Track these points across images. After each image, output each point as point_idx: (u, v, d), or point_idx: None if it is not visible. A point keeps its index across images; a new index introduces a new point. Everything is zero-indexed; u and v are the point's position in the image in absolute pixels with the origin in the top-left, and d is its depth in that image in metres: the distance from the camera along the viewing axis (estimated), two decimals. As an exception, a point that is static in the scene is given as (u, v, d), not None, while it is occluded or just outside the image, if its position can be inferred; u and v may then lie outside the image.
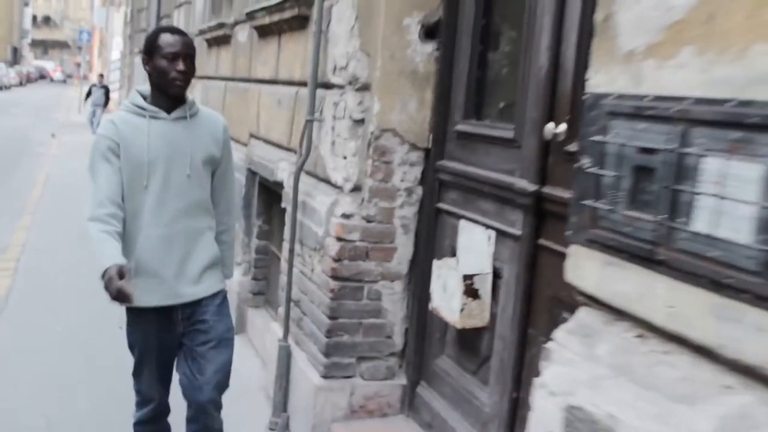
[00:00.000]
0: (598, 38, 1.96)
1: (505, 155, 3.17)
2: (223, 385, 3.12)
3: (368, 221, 3.77)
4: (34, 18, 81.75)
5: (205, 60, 7.61)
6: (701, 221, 1.59)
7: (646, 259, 1.74)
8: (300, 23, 4.49)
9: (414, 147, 3.77)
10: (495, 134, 3.28)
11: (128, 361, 3.22)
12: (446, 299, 3.37)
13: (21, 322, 5.61)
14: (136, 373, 3.19)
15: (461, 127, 3.57)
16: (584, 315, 2.01)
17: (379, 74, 3.67)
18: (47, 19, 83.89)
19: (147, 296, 2.93)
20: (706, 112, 1.59)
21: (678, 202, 1.65)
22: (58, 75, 70.74)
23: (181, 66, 2.87)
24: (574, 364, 1.96)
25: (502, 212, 3.16)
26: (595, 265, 1.93)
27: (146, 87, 3.00)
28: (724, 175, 1.54)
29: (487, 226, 3.25)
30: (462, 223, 3.46)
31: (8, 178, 12.43)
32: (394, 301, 3.88)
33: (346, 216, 3.75)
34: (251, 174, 5.63)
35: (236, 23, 6.35)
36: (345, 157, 3.82)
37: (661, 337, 1.75)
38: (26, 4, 76.22)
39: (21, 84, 50.08)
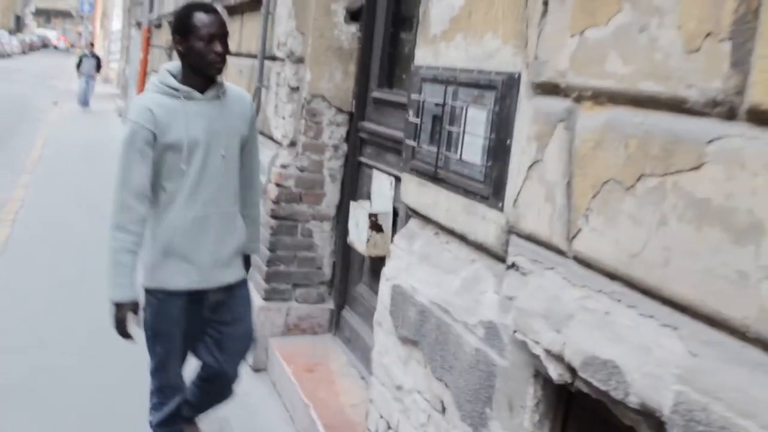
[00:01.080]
0: (420, 26, 2.77)
1: (402, 116, 3.98)
2: (242, 363, 3.25)
3: (301, 171, 4.58)
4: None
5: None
6: (460, 150, 2.40)
7: (436, 178, 2.56)
8: (256, 5, 5.29)
9: (340, 110, 4.57)
10: (396, 100, 4.08)
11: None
12: (357, 233, 4.18)
13: (18, 265, 6.39)
14: (161, 367, 3.04)
15: (376, 94, 4.37)
16: (410, 223, 2.83)
17: (310, 50, 4.46)
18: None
19: (179, 279, 2.88)
20: (464, 77, 2.40)
21: (451, 139, 2.46)
22: (61, 44, 71.26)
23: (219, 47, 2.75)
24: (400, 258, 2.79)
25: (400, 163, 3.97)
26: (413, 186, 2.75)
27: (174, 65, 2.88)
28: (471, 119, 2.35)
29: (390, 174, 4.06)
30: (374, 172, 4.28)
31: (8, 140, 13.17)
32: (323, 238, 4.71)
33: (283, 166, 4.57)
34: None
35: (213, 2, 7.12)
36: (284, 118, 4.63)
37: (445, 232, 2.57)
38: (30, -28, 76.70)
39: (23, 52, 50.44)
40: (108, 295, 2.77)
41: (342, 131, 4.60)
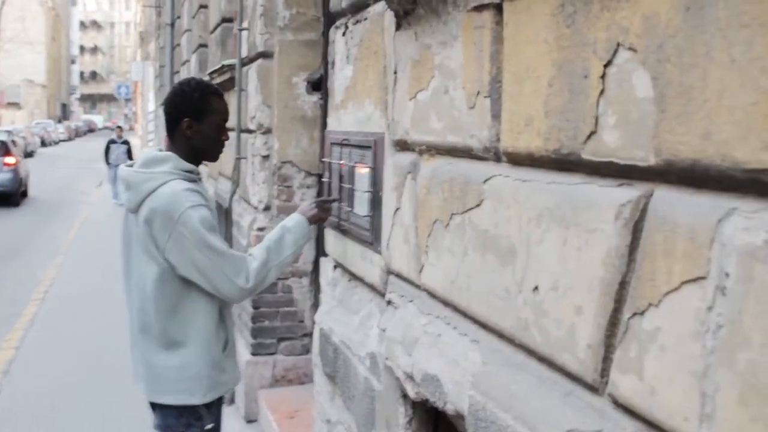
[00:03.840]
0: (329, 95, 3.12)
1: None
2: None
3: (277, 232, 4.93)
4: (82, 74, 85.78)
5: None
6: (353, 204, 2.72)
7: (342, 230, 2.88)
8: (233, 83, 5.72)
9: (309, 173, 4.93)
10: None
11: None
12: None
13: (42, 340, 6.85)
14: None
15: (338, 156, 4.73)
16: (335, 271, 3.14)
17: (276, 120, 4.86)
18: (94, 74, 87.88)
19: (237, 374, 2.71)
20: (354, 139, 2.73)
21: (349, 194, 2.79)
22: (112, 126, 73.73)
23: (227, 134, 2.66)
24: (326, 303, 3.10)
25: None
26: (331, 238, 3.08)
27: (166, 153, 2.59)
28: (359, 176, 2.67)
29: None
30: (340, 228, 4.61)
31: (48, 224, 13.88)
32: (303, 293, 5.03)
33: (260, 229, 4.93)
34: (218, 205, 6.85)
35: (211, 80, 7.62)
36: (258, 185, 5.00)
37: (354, 277, 2.88)
38: (73, 62, 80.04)
39: (70, 138, 52.32)
40: (304, 237, 2.70)
41: (312, 192, 4.95)
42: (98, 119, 75.60)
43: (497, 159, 1.77)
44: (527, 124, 1.59)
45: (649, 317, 1.22)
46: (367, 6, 2.59)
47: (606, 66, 1.33)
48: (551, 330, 1.51)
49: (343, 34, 2.92)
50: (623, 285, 1.31)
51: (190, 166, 2.56)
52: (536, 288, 1.57)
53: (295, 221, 2.71)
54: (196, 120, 2.56)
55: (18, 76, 55.55)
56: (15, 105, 54.43)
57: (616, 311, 1.33)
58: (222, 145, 2.66)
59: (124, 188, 2.60)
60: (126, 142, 16.98)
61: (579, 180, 1.45)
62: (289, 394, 4.92)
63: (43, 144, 40.46)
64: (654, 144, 1.21)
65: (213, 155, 2.67)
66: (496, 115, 1.75)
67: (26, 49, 56.20)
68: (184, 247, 2.42)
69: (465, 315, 1.92)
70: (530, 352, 1.60)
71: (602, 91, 1.35)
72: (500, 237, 1.72)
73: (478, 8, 1.79)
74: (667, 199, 1.21)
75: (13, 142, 18.12)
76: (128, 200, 2.56)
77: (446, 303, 2.04)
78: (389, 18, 2.40)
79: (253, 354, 4.97)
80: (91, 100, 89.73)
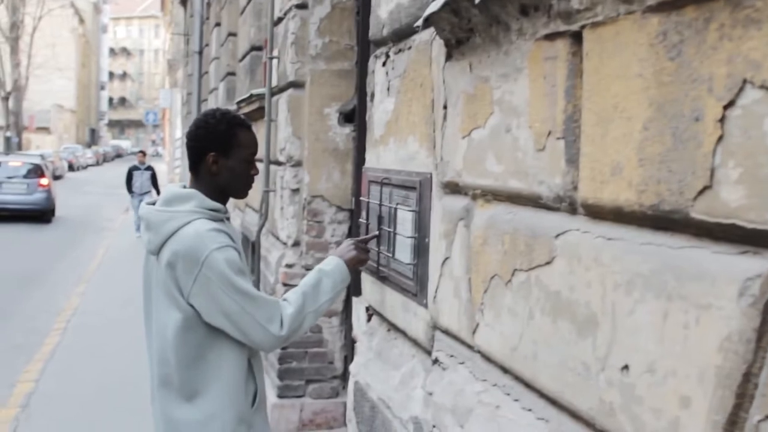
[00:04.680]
0: (367, 130, 2.90)
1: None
2: None
3: (307, 269, 4.70)
4: (111, 100, 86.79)
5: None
6: (394, 249, 2.49)
7: (381, 277, 2.64)
8: (261, 113, 5.54)
9: (340, 209, 4.71)
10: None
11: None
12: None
13: (62, 372, 6.67)
14: None
15: (371, 190, 4.51)
16: (372, 320, 2.90)
17: (307, 153, 4.65)
18: (123, 100, 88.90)
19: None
20: (396, 179, 2.50)
21: (389, 239, 2.55)
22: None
23: (256, 168, 2.44)
24: (362, 354, 2.85)
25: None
26: (368, 284, 2.84)
27: (190, 190, 2.37)
28: (401, 219, 2.44)
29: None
30: (373, 266, 4.37)
31: (71, 251, 13.78)
32: (333, 333, 4.78)
33: (288, 266, 4.70)
34: (244, 237, 6.65)
35: (238, 110, 7.46)
36: (287, 219, 4.79)
37: (394, 328, 2.63)
38: (102, 88, 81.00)
39: (98, 163, 52.94)
40: (343, 281, 2.47)
41: (344, 228, 4.72)
42: (126, 144, 76.31)
43: (572, 211, 1.53)
44: (614, 173, 1.35)
45: (792, 425, 0.97)
46: (412, 33, 2.37)
47: (726, 107, 1.09)
48: (647, 420, 1.25)
49: (384, 64, 2.70)
50: (748, 377, 1.06)
51: (215, 205, 2.34)
52: (626, 367, 1.32)
53: (333, 265, 2.46)
54: (222, 154, 2.35)
55: (48, 101, 56.15)
56: (45, 130, 54.98)
57: (738, 408, 1.08)
58: (251, 181, 2.45)
59: (144, 228, 2.36)
60: (150, 168, 15.57)
61: (685, 243, 1.20)
62: (317, 440, 4.66)
63: (71, 168, 40.83)
64: (797, 207, 0.97)
65: (241, 192, 2.46)
66: (571, 160, 1.51)
67: (56, 74, 56.81)
68: (211, 291, 2.20)
69: (529, 386, 1.67)
70: (617, 443, 1.34)
71: (720, 138, 1.10)
72: (577, 302, 1.47)
73: (550, 37, 1.56)
74: (815, 277, 0.96)
75: (46, 165, 19.63)
76: (149, 241, 2.33)
77: (505, 370, 1.79)
78: (438, 47, 2.18)
79: (280, 396, 4.73)
80: (120, 126, 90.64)
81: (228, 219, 2.43)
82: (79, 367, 6.87)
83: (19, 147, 39.79)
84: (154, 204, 2.39)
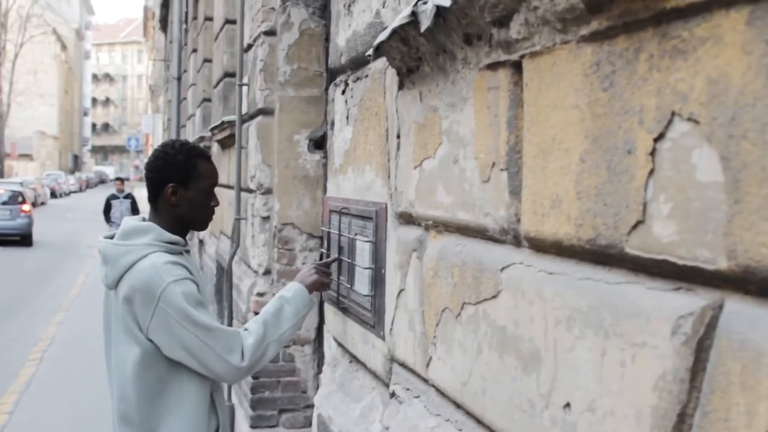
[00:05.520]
0: (328, 159, 2.86)
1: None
2: None
3: (278, 297, 4.65)
4: (94, 126, 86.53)
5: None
6: (353, 280, 2.44)
7: (342, 308, 2.59)
8: (233, 140, 5.49)
9: (311, 236, 4.66)
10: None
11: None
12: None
13: (37, 404, 6.57)
14: None
15: (342, 217, 4.47)
16: (334, 351, 2.85)
17: (277, 180, 4.60)
18: (106, 126, 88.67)
19: None
20: (354, 209, 2.46)
21: (349, 270, 2.51)
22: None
23: (216, 199, 2.40)
24: (325, 386, 2.80)
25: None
26: (330, 314, 2.79)
27: (148, 224, 2.33)
28: (360, 249, 2.40)
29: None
30: (344, 294, 4.33)
31: (51, 280, 13.65)
32: (305, 362, 4.72)
33: (260, 294, 4.64)
34: (218, 264, 6.59)
35: (212, 137, 7.42)
36: (258, 247, 4.73)
37: (355, 360, 2.59)
38: (85, 114, 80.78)
39: (80, 189, 52.62)
40: (305, 307, 2.40)
41: (315, 256, 4.67)
42: (110, 170, 76.00)
43: (517, 243, 1.49)
44: (554, 206, 1.32)
45: (725, 471, 0.93)
46: (367, 62, 2.34)
47: (657, 140, 1.06)
48: (588, 461, 1.22)
49: (343, 93, 2.68)
50: (683, 417, 1.03)
51: (173, 237, 2.30)
52: (567, 405, 1.28)
53: (294, 290, 2.42)
54: (181, 185, 2.31)
55: (30, 128, 55.93)
56: (27, 156, 54.71)
57: (675, 450, 1.04)
58: (211, 212, 2.40)
59: (101, 262, 2.32)
60: (129, 196, 14.38)
61: (621, 278, 1.17)
62: (290, 471, 4.58)
63: (54, 195, 40.55)
64: (726, 244, 0.94)
65: (200, 224, 2.41)
66: (514, 192, 1.48)
67: (38, 101, 56.73)
68: (169, 325, 2.15)
69: (480, 422, 1.63)
70: (562, 484, 1.30)
71: (651, 171, 1.07)
72: (522, 338, 1.44)
73: (492, 66, 1.53)
74: (746, 315, 0.93)
75: (25, 192, 20.76)
76: (106, 276, 2.28)
77: (458, 405, 1.74)
78: (391, 76, 2.15)
79: (252, 427, 4.65)
80: (103, 152, 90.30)
81: (187, 251, 2.38)
82: (54, 398, 6.77)
83: (1, 175, 39.56)
84: (111, 238, 2.35)
